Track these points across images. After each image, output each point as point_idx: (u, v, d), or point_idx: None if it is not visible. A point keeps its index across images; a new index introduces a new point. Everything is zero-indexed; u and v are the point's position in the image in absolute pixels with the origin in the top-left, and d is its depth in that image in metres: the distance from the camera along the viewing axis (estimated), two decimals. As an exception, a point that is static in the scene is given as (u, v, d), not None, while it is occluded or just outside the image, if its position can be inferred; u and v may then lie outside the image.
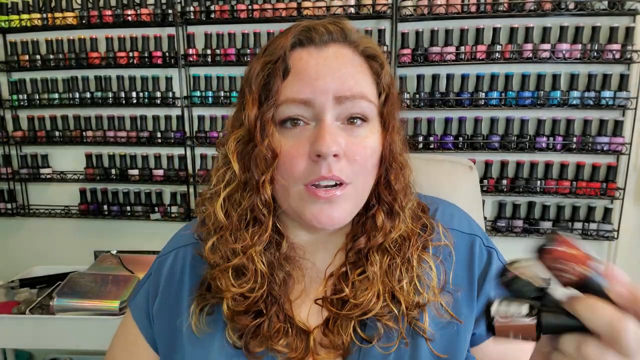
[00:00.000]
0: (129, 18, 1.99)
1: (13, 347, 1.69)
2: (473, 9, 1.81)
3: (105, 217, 2.20)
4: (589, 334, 0.31)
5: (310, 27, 0.51)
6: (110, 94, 2.09)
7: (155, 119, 2.12)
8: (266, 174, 0.50)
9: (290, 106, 0.49)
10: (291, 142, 0.50)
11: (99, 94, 2.09)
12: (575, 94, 1.82)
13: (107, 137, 2.12)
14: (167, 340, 0.59)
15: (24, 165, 2.22)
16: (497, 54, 1.83)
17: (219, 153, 0.56)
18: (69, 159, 2.24)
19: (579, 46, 1.78)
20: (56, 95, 2.11)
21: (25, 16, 2.03)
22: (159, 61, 2.03)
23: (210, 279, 0.55)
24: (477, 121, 1.91)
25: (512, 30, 1.82)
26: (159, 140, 2.10)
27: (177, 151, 2.13)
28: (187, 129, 2.09)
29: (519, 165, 1.92)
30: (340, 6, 1.87)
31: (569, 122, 1.85)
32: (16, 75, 2.17)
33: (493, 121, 1.90)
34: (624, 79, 1.80)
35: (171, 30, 2.01)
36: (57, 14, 2.01)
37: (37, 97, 2.13)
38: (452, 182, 0.79)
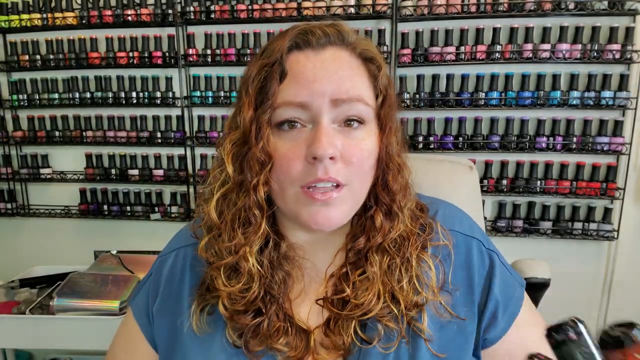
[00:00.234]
0: (129, 18, 1.99)
1: (13, 347, 1.68)
2: (473, 9, 1.81)
3: (105, 217, 2.21)
4: None
5: (307, 30, 0.51)
6: (110, 94, 2.09)
7: (155, 119, 2.12)
8: (259, 176, 0.50)
9: (287, 109, 0.49)
10: (288, 145, 0.50)
11: (99, 94, 2.09)
12: (575, 94, 1.82)
13: (107, 137, 2.12)
14: (167, 340, 0.59)
15: (24, 165, 2.22)
16: (497, 54, 1.83)
17: (217, 153, 0.57)
18: (69, 159, 2.24)
19: (579, 46, 1.78)
20: (56, 95, 2.11)
21: (25, 16, 2.03)
22: (159, 61, 2.03)
23: (207, 278, 0.55)
24: (477, 121, 1.91)
25: (512, 30, 1.82)
26: (159, 140, 2.10)
27: (177, 151, 2.13)
28: (187, 129, 2.09)
29: (519, 165, 1.92)
30: (340, 6, 1.87)
31: (569, 122, 1.85)
32: (16, 75, 2.17)
33: (493, 121, 1.90)
34: (624, 79, 1.80)
35: (171, 30, 2.01)
36: (57, 14, 2.01)
37: (37, 97, 2.13)
38: (452, 182, 0.79)
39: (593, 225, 1.90)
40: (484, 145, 1.91)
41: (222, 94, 2.02)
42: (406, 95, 1.92)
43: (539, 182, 1.90)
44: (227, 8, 1.93)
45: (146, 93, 2.06)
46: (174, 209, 2.17)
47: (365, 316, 0.52)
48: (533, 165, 1.92)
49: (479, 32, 1.84)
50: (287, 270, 0.56)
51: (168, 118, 2.08)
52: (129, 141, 2.11)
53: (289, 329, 0.53)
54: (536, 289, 1.11)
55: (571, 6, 1.75)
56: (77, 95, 2.11)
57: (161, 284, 0.62)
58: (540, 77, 1.85)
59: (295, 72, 0.50)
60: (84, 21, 2.02)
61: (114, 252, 1.66)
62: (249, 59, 1.95)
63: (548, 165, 1.91)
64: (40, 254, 2.25)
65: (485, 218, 1.98)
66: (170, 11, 1.98)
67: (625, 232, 1.91)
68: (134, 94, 2.07)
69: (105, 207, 2.20)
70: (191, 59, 2.01)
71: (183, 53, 2.01)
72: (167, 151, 2.14)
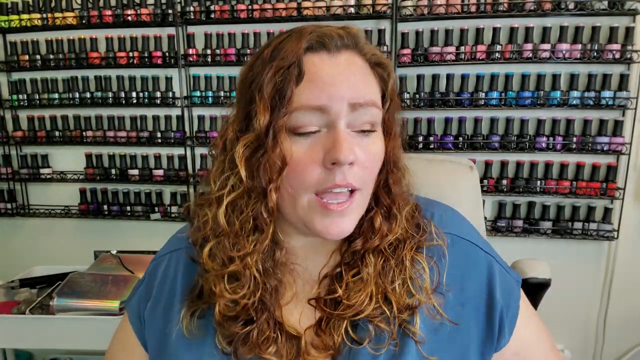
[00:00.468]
0: (129, 18, 1.99)
1: (13, 347, 1.68)
2: (473, 9, 1.81)
3: (105, 217, 2.20)
4: None
5: (324, 33, 0.50)
6: (110, 94, 2.09)
7: (155, 119, 2.12)
8: (275, 182, 0.49)
9: (304, 112, 0.48)
10: (303, 150, 0.49)
11: (99, 94, 2.09)
12: (575, 94, 1.82)
13: (107, 137, 2.12)
14: (157, 343, 0.59)
15: (24, 165, 2.22)
16: (497, 54, 1.83)
17: (217, 155, 0.55)
18: (69, 159, 2.24)
19: (579, 46, 1.78)
20: (56, 95, 2.11)
21: (25, 16, 2.03)
22: (159, 61, 2.03)
23: (204, 283, 0.54)
24: (477, 121, 1.91)
25: (512, 30, 1.82)
26: (159, 140, 2.10)
27: (177, 151, 2.13)
28: (187, 129, 2.09)
29: (519, 165, 1.92)
30: (340, 6, 1.87)
31: (569, 122, 1.85)
32: (16, 75, 2.17)
33: (493, 121, 1.90)
34: (624, 79, 1.80)
35: (171, 30, 2.01)
36: (57, 14, 2.01)
37: (37, 97, 2.13)
38: (452, 182, 0.79)
39: (593, 225, 1.90)
40: (484, 145, 1.91)
41: (222, 94, 2.02)
42: (406, 95, 1.92)
43: (539, 182, 1.90)
44: (227, 8, 1.93)
45: (146, 93, 2.06)
46: (174, 209, 2.16)
47: (357, 316, 0.52)
48: (533, 165, 1.92)
49: (479, 32, 1.84)
50: (280, 277, 0.55)
51: (168, 118, 2.08)
52: (129, 141, 2.11)
53: (279, 336, 0.53)
54: (536, 289, 1.11)
55: (571, 6, 1.75)
56: (77, 95, 2.11)
57: (154, 287, 0.62)
58: (540, 77, 1.85)
59: (311, 74, 0.48)
60: (84, 21, 2.02)
61: (114, 252, 1.66)
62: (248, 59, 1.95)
63: (548, 165, 1.91)
64: (40, 254, 2.26)
65: (485, 218, 1.98)
66: (170, 11, 1.98)
67: (625, 232, 1.91)
68: (134, 94, 2.07)
69: (105, 207, 2.20)
70: (191, 59, 2.01)
71: (183, 53, 2.01)
72: (167, 151, 2.14)
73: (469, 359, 0.55)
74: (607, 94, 1.80)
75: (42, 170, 2.20)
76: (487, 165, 1.93)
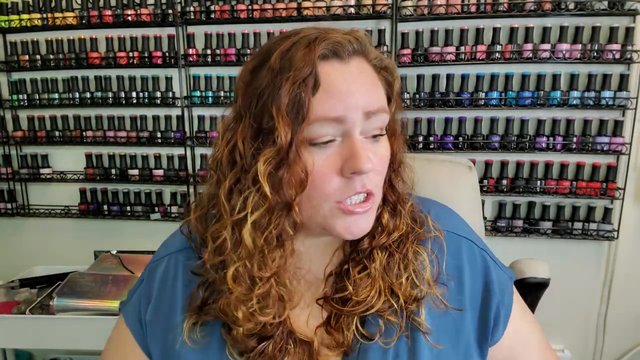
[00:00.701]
0: (129, 18, 1.99)
1: (13, 347, 1.69)
2: (473, 9, 1.81)
3: (105, 217, 2.21)
4: None
5: (336, 41, 0.49)
6: (110, 94, 2.09)
7: (155, 119, 2.12)
8: (299, 195, 0.49)
9: (322, 124, 0.48)
10: (321, 160, 0.49)
11: (99, 94, 2.09)
12: (575, 94, 1.82)
13: (107, 137, 2.12)
14: (162, 350, 0.59)
15: (24, 165, 2.22)
16: (497, 54, 1.83)
17: (224, 171, 0.52)
18: (69, 159, 2.24)
19: (579, 46, 1.78)
20: (56, 95, 2.11)
21: (25, 16, 2.03)
22: (159, 61, 2.03)
23: (225, 306, 0.52)
24: (477, 121, 1.91)
25: (512, 30, 1.82)
26: (159, 140, 2.10)
27: (177, 151, 2.13)
28: (187, 129, 2.09)
29: (519, 165, 1.92)
30: (340, 6, 1.87)
31: (569, 122, 1.85)
32: (16, 75, 2.17)
33: (493, 121, 1.90)
34: (624, 79, 1.80)
35: (171, 30, 2.01)
36: (57, 14, 2.01)
37: (37, 97, 2.13)
38: (452, 182, 0.79)
39: (593, 225, 1.90)
40: (484, 145, 1.91)
41: (222, 94, 2.02)
42: (406, 95, 1.92)
43: (539, 182, 1.90)
44: (227, 8, 1.93)
45: (146, 93, 2.06)
46: (174, 209, 2.16)
47: (367, 312, 0.52)
48: (533, 165, 1.92)
49: (479, 32, 1.84)
50: (290, 287, 0.55)
51: (168, 118, 2.08)
52: (129, 141, 2.11)
53: (292, 345, 0.53)
54: (536, 288, 1.11)
55: (571, 6, 1.75)
56: (77, 95, 2.11)
57: (154, 292, 0.61)
58: (540, 77, 1.85)
59: (326, 85, 0.47)
60: (84, 21, 2.02)
61: (114, 252, 1.66)
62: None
63: (548, 165, 1.91)
64: (40, 254, 2.25)
65: (485, 218, 1.98)
66: (170, 11, 1.98)
67: (625, 232, 1.91)
68: (134, 94, 2.07)
69: (105, 207, 2.20)
70: (191, 59, 2.01)
71: (183, 53, 2.01)
72: (167, 151, 2.14)
73: (471, 351, 0.56)
74: (607, 94, 1.80)
75: (42, 170, 2.20)
76: (487, 165, 1.93)
